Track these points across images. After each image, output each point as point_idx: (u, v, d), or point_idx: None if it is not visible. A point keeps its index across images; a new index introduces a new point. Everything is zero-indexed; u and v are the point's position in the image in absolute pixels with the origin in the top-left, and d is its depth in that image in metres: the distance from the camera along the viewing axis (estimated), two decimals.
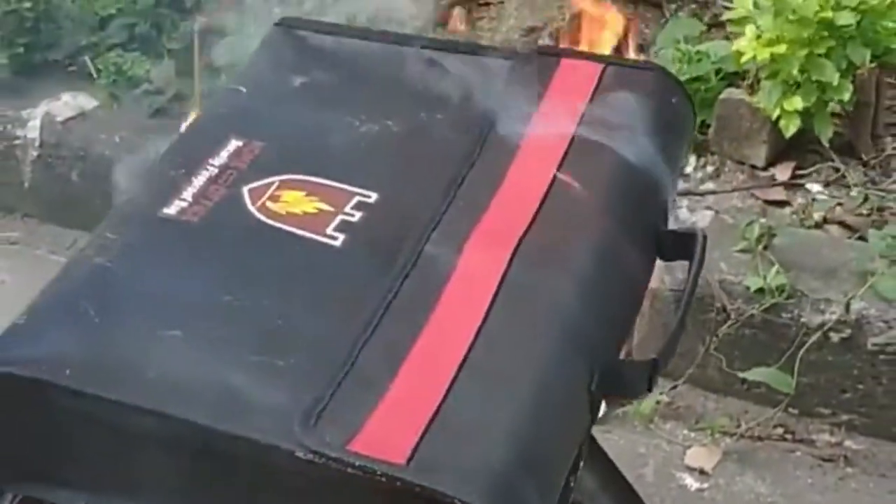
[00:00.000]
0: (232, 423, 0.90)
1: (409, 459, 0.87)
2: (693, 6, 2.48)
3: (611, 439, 1.78)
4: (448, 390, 0.92)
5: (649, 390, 1.02)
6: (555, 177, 1.13)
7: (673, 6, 2.48)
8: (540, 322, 1.00)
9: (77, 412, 0.94)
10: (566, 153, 1.15)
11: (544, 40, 2.35)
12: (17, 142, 2.25)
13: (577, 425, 0.99)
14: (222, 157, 1.15)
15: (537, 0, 2.46)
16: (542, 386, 0.95)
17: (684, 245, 1.14)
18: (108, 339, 0.97)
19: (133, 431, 0.93)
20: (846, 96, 2.00)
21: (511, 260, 1.04)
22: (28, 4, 2.19)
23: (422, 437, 0.88)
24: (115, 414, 0.93)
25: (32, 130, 2.22)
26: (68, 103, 2.23)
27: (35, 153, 2.23)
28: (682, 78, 2.12)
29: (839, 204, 2.02)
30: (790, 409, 1.91)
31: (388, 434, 0.89)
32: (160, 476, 0.95)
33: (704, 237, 1.13)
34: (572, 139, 1.17)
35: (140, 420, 0.92)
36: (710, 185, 2.06)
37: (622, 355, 1.10)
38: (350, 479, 0.87)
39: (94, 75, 2.28)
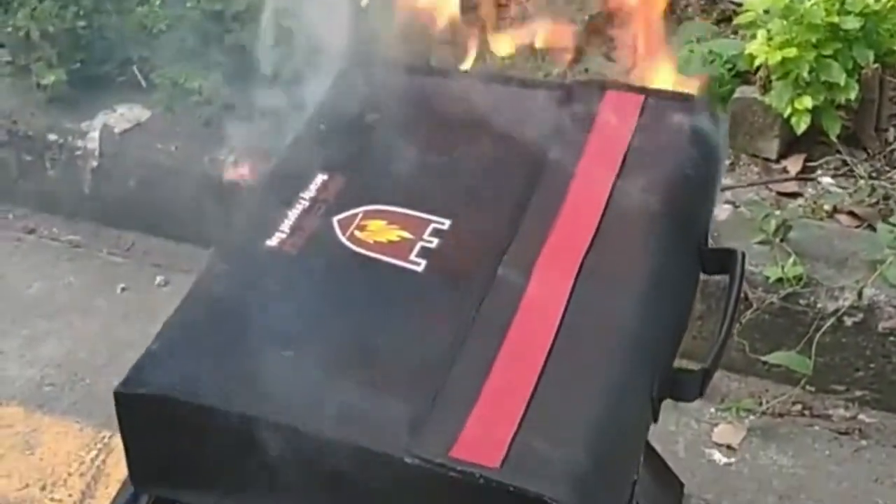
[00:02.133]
0: (348, 434, 1.03)
1: (503, 463, 1.00)
2: (702, 2, 2.58)
3: None
4: (530, 400, 1.05)
5: (701, 396, 1.16)
6: (609, 199, 1.26)
7: (682, 2, 2.58)
8: (606, 336, 1.13)
9: (207, 425, 1.08)
10: (617, 178, 1.28)
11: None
12: (77, 152, 2.35)
13: (642, 427, 1.13)
14: (311, 190, 1.28)
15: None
16: (613, 394, 1.08)
17: (725, 261, 1.27)
18: (231, 361, 1.10)
19: (257, 441, 1.06)
20: (853, 95, 2.12)
21: (576, 280, 1.16)
22: (83, 23, 2.30)
23: (512, 443, 1.01)
24: (240, 426, 1.06)
25: (92, 141, 2.32)
26: (124, 115, 2.33)
27: (95, 162, 2.34)
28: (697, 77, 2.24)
29: (848, 195, 2.14)
30: (808, 388, 2.01)
31: (482, 441, 1.02)
32: (281, 481, 1.08)
33: (743, 255, 1.25)
34: (622, 166, 1.30)
35: (264, 431, 1.05)
36: (727, 180, 2.18)
37: None
38: (451, 481, 1.00)
39: (145, 86, 2.38)
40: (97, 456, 1.95)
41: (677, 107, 1.36)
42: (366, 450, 1.03)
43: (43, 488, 1.91)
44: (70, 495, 1.89)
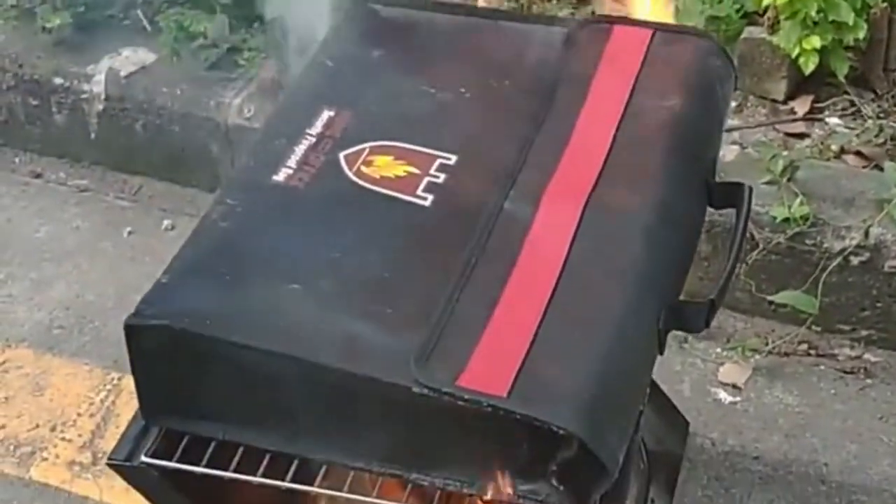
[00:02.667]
0: (356, 364, 1.04)
1: (510, 391, 1.01)
2: None
3: None
4: (537, 330, 1.06)
5: (707, 327, 1.16)
6: (616, 134, 1.26)
7: None
8: (613, 267, 1.13)
9: (216, 357, 1.09)
10: (625, 112, 1.28)
11: None
12: (83, 96, 2.35)
13: (648, 358, 1.14)
14: (317, 126, 1.28)
15: None
16: (620, 324, 1.08)
17: (732, 195, 1.27)
18: (239, 293, 1.11)
19: (265, 372, 1.08)
20: (861, 34, 2.11)
21: (583, 213, 1.17)
22: None
23: (518, 372, 1.02)
24: (250, 358, 1.07)
25: (97, 85, 2.32)
26: (129, 58, 2.33)
27: (101, 106, 2.33)
28: (705, 17, 2.23)
29: (856, 135, 2.13)
30: (814, 327, 2.01)
31: (489, 370, 1.03)
32: (289, 411, 1.09)
33: (750, 189, 1.26)
34: (629, 100, 1.30)
35: (273, 363, 1.06)
36: (735, 121, 2.17)
37: None
38: (459, 410, 1.01)
39: (150, 30, 2.37)
40: (106, 397, 1.96)
41: (685, 41, 1.36)
42: (374, 380, 1.03)
43: (53, 429, 1.92)
44: (80, 435, 1.91)
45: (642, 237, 1.16)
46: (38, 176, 2.46)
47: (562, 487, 1.03)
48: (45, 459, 1.88)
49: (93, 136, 2.38)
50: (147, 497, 1.21)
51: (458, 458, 1.05)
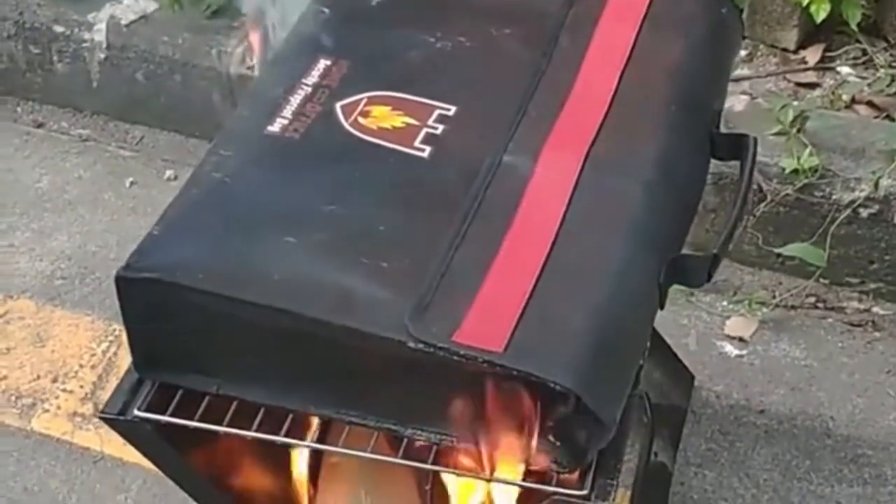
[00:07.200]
0: (350, 318, 1.02)
1: (506, 347, 0.99)
2: None
3: None
4: (535, 285, 1.04)
5: (709, 280, 1.14)
6: (618, 86, 1.23)
7: None
8: (612, 221, 1.11)
9: (209, 310, 1.07)
10: (627, 62, 1.26)
11: None
12: (84, 44, 2.32)
13: (648, 313, 1.12)
14: (314, 76, 1.25)
15: None
16: (619, 278, 1.06)
17: (737, 146, 1.24)
18: (232, 246, 1.09)
19: (258, 326, 1.06)
20: None
21: (583, 165, 1.15)
22: None
23: (515, 328, 1.00)
24: (243, 311, 1.05)
25: (99, 33, 2.29)
26: (130, 6, 2.30)
27: (102, 55, 2.31)
28: None
29: (867, 85, 2.10)
30: (822, 280, 2.00)
31: (486, 326, 1.01)
32: (283, 365, 1.08)
33: (755, 140, 1.23)
34: (631, 50, 1.27)
35: (266, 317, 1.04)
36: (744, 70, 2.14)
37: None
38: (455, 365, 0.99)
39: None
40: (108, 348, 1.96)
41: None
42: (368, 335, 1.02)
43: (54, 380, 1.92)
44: (81, 387, 1.90)
45: (642, 191, 1.14)
46: (40, 125, 2.44)
47: (559, 443, 1.02)
48: (47, 411, 1.87)
49: (94, 85, 2.36)
50: (141, 451, 1.19)
51: (455, 415, 1.04)
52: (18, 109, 2.47)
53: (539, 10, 1.33)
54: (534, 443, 1.02)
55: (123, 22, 2.29)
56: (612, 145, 1.17)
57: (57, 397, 1.89)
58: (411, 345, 1.00)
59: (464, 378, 1.00)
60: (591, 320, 1.03)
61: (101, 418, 1.16)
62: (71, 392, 1.89)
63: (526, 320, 1.01)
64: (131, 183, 2.27)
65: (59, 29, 2.35)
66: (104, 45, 2.29)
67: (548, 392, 0.97)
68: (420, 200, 1.14)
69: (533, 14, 1.33)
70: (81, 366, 1.93)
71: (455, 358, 0.99)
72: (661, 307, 1.13)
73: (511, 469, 1.08)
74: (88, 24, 2.32)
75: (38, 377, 1.92)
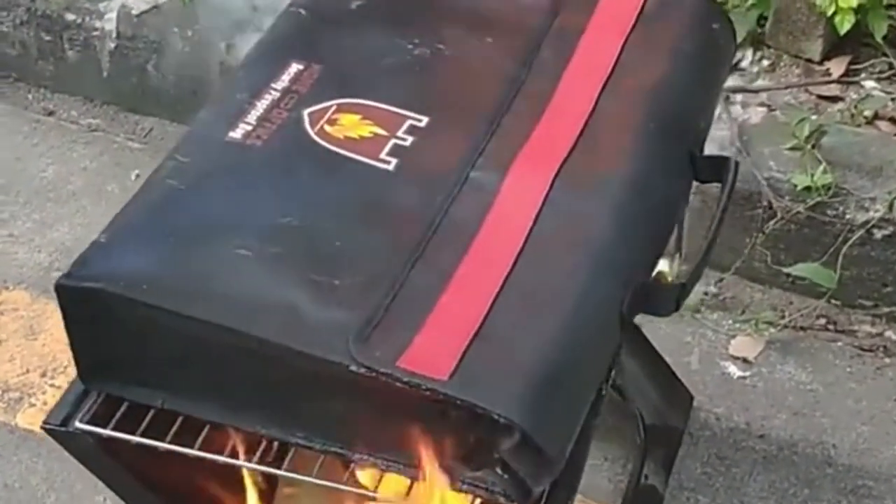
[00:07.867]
0: (293, 339, 0.98)
1: (452, 375, 0.94)
2: None
3: (658, 328, 1.81)
4: (489, 310, 1.00)
5: (676, 310, 1.09)
6: (597, 101, 1.18)
7: None
8: (576, 245, 1.06)
9: (153, 323, 1.03)
10: (608, 78, 1.21)
11: None
12: (94, 33, 2.30)
13: (607, 343, 1.07)
14: (284, 80, 1.21)
15: None
16: (577, 307, 1.02)
17: (718, 169, 1.19)
18: (181, 257, 1.05)
19: (203, 342, 1.02)
20: None
21: (552, 186, 1.10)
22: None
23: (463, 355, 0.96)
24: (187, 326, 1.01)
25: (109, 22, 2.27)
26: None
27: (112, 44, 2.28)
28: None
29: (891, 99, 2.02)
30: (833, 301, 1.93)
31: (433, 351, 0.97)
32: (227, 382, 1.04)
33: (737, 163, 1.18)
34: (615, 65, 1.22)
35: (209, 332, 1.00)
36: (765, 81, 2.07)
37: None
38: (398, 391, 0.95)
39: None
40: None
41: (680, 2, 1.28)
42: (311, 356, 0.98)
43: (43, 374, 1.90)
44: (69, 382, 1.87)
45: (611, 213, 1.09)
46: (51, 114, 2.41)
47: (506, 476, 0.97)
48: (33, 405, 1.85)
49: (105, 74, 2.33)
50: (83, 464, 1.16)
51: (401, 441, 0.99)
52: (29, 96, 2.45)
53: (522, 19, 1.29)
54: (483, 474, 0.98)
55: (134, 12, 2.26)
56: (585, 163, 1.13)
57: (44, 392, 1.87)
58: (353, 368, 0.96)
59: (408, 405, 0.96)
60: (544, 349, 0.98)
61: (42, 429, 1.13)
62: (59, 388, 1.87)
63: (476, 347, 0.97)
64: (136, 175, 2.24)
65: (70, 17, 2.33)
66: (114, 35, 2.27)
67: (493, 424, 0.93)
68: (381, 215, 1.10)
69: (516, 23, 1.28)
70: (71, 361, 1.90)
71: (398, 384, 0.95)
72: (624, 337, 1.08)
73: (460, 500, 1.04)
74: (99, 13, 2.30)
75: (28, 371, 1.90)
